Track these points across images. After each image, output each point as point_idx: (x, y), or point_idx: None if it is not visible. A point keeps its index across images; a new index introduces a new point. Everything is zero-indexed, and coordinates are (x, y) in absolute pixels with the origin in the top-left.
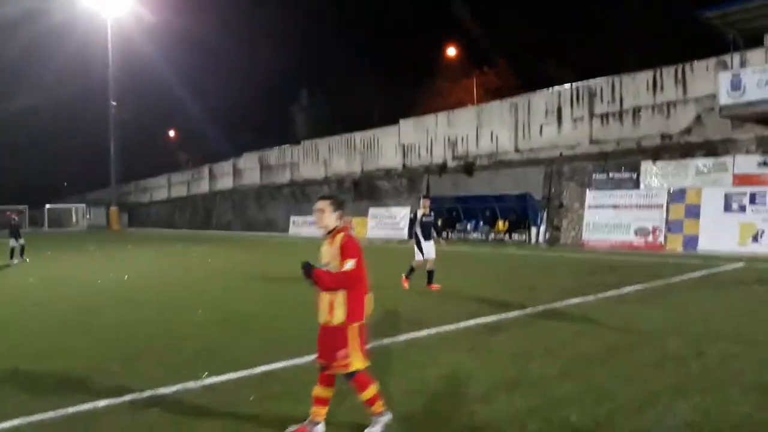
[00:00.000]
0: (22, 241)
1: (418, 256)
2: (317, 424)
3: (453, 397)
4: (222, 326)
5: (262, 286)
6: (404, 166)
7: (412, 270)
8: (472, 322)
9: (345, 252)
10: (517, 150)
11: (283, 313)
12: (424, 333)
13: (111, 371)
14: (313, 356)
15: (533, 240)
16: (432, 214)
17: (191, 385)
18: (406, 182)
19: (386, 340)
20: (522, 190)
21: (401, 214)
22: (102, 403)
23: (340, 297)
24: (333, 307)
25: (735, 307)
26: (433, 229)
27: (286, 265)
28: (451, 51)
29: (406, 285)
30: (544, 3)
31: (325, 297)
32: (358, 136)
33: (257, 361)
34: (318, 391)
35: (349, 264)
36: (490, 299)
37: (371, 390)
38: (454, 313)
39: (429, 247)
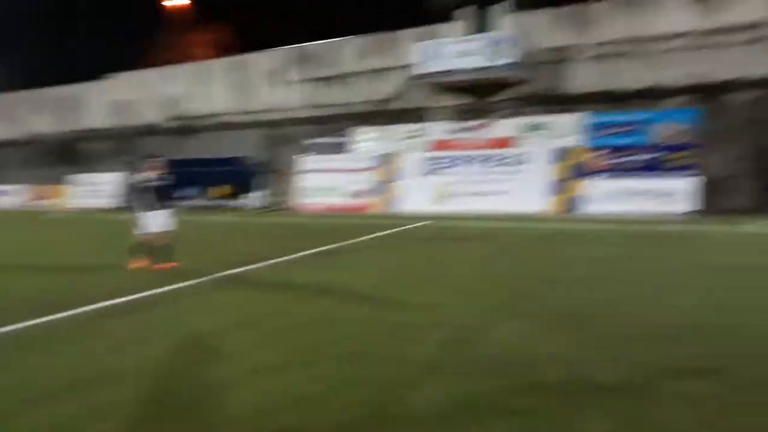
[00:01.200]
0: None
1: (146, 229)
2: None
3: None
4: None
5: None
6: (113, 126)
7: (140, 246)
8: (107, 303)
9: None
10: (237, 112)
11: None
12: (44, 320)
13: None
14: None
15: (253, 205)
16: (168, 177)
17: None
18: (115, 145)
19: None
20: (242, 153)
21: (109, 180)
22: None
23: None
24: None
25: (395, 266)
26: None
27: None
28: (176, 1)
29: (139, 265)
30: None
31: None
32: (59, 92)
33: None
34: None
35: None
36: (152, 275)
37: None
38: (93, 292)
39: (162, 218)
